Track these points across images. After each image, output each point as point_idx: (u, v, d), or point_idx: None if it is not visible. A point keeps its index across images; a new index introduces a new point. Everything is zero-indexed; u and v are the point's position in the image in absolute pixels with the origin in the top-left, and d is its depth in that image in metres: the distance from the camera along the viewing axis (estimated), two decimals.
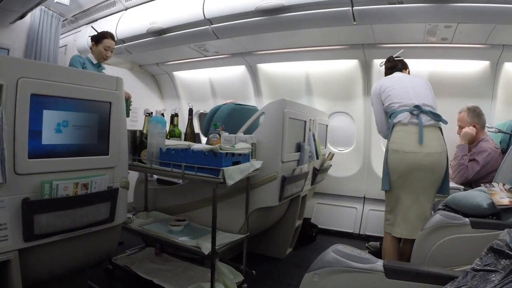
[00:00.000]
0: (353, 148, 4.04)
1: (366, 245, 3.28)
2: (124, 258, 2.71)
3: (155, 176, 3.20)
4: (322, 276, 1.16)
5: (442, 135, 2.49)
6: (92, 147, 1.80)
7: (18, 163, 1.49)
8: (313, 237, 3.69)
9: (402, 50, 2.90)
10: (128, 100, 3.15)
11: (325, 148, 3.91)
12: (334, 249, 1.21)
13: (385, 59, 2.90)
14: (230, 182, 1.98)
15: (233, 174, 2.02)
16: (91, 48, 3.26)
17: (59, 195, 1.57)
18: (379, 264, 1.13)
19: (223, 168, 1.97)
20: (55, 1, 4.37)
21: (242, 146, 2.27)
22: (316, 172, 3.45)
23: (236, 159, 2.17)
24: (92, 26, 4.12)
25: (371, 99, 2.80)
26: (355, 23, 2.90)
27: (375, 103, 2.72)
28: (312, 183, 3.48)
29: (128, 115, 2.99)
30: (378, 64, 3.51)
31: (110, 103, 1.87)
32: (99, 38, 3.19)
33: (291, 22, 3.10)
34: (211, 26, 3.53)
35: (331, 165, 3.84)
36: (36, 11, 4.65)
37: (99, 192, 1.74)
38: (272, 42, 3.72)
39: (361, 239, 3.78)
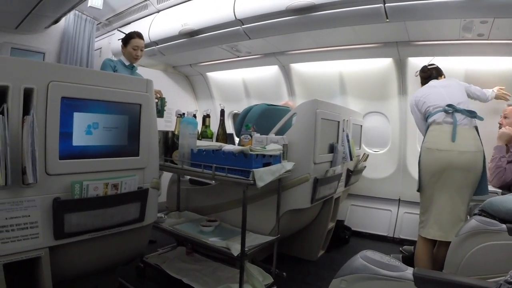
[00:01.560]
0: (388, 149, 3.93)
1: (400, 249, 3.17)
2: (155, 257, 2.74)
3: (188, 177, 3.22)
4: (350, 283, 1.12)
5: (479, 135, 2.42)
6: (122, 148, 1.84)
7: (49, 164, 1.54)
8: (346, 239, 3.62)
9: (433, 58, 2.90)
10: (163, 100, 3.15)
11: (360, 149, 3.82)
12: (362, 255, 1.17)
13: (420, 69, 2.89)
14: (260, 183, 1.96)
15: (264, 176, 1.99)
16: (122, 51, 3.28)
17: (89, 195, 1.61)
18: (408, 272, 1.08)
19: (253, 169, 1.95)
20: (88, 5, 4.46)
21: (273, 147, 2.24)
22: (350, 173, 3.38)
23: (267, 160, 2.14)
24: (118, 29, 4.22)
25: (410, 111, 2.80)
26: (387, 20, 2.81)
27: (414, 113, 2.74)
28: (346, 184, 3.41)
29: (162, 116, 3.02)
30: (413, 62, 3.46)
31: (140, 105, 1.90)
32: (127, 39, 3.21)
33: (322, 20, 3.04)
34: (242, 26, 3.52)
35: (365, 166, 3.75)
36: (70, 15, 4.80)
37: (129, 192, 1.77)
38: (304, 41, 3.66)
39: (395, 242, 3.68)
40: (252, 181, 1.95)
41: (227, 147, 2.24)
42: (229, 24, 3.59)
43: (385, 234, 3.82)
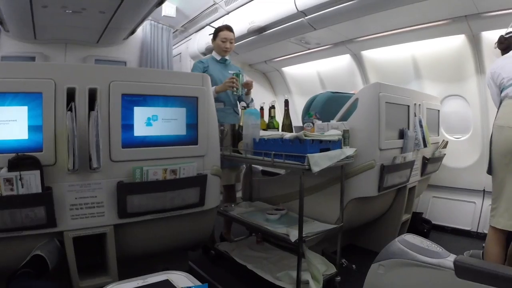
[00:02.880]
0: (470, 135, 3.61)
1: (483, 245, 2.90)
2: (226, 245, 2.85)
3: (260, 168, 3.28)
4: (388, 268, 1.07)
5: None
6: (181, 138, 1.99)
7: (113, 151, 1.77)
8: (424, 233, 3.38)
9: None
10: (238, 75, 2.92)
11: (438, 135, 3.57)
12: (400, 239, 1.11)
13: (497, 40, 2.52)
14: (315, 168, 1.94)
15: (319, 161, 1.97)
16: (213, 46, 3.24)
17: (149, 179, 1.77)
18: (449, 260, 0.99)
19: (308, 154, 1.94)
20: (162, 15, 4.79)
21: (331, 133, 2.20)
22: (426, 161, 3.17)
23: (325, 145, 2.11)
24: (209, 25, 4.43)
25: (487, 85, 2.50)
26: None
27: (490, 88, 2.43)
28: (422, 174, 3.21)
29: (241, 93, 3.00)
30: (488, 37, 3.14)
31: (197, 97, 2.03)
32: (215, 32, 3.19)
33: (383, 1, 2.93)
34: (306, 18, 3.52)
35: (444, 154, 3.49)
36: (147, 26, 5.20)
37: (188, 177, 1.90)
38: (371, 26, 3.54)
39: (479, 238, 3.32)
40: (307, 166, 1.94)
41: (287, 135, 2.25)
42: (292, 17, 3.63)
43: (468, 228, 3.51)
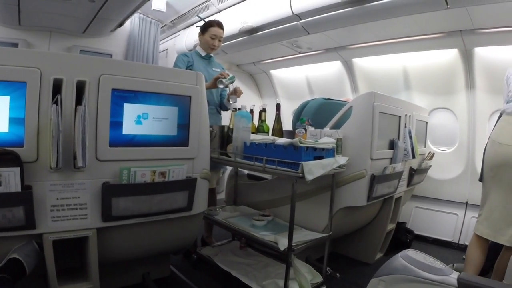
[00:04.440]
0: (456, 148, 3.64)
1: (463, 257, 2.91)
2: (209, 249, 2.78)
3: (246, 172, 3.22)
4: (388, 284, 1.03)
5: None
6: (171, 138, 1.90)
7: (100, 150, 1.65)
8: (407, 243, 3.39)
9: None
10: (231, 78, 2.81)
11: (425, 147, 3.58)
12: (403, 254, 1.07)
13: None
14: (309, 177, 1.89)
15: (313, 169, 1.92)
16: (199, 39, 3.13)
17: (136, 181, 1.67)
18: (452, 277, 0.96)
19: (303, 162, 1.89)
20: (152, 8, 4.64)
21: (325, 140, 2.16)
22: (413, 172, 3.17)
23: (319, 154, 2.07)
24: (198, 15, 4.28)
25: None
26: (448, 6, 2.60)
27: (504, 84, 2.37)
28: (408, 184, 3.21)
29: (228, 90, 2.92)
30: (480, 53, 3.16)
31: (190, 97, 1.94)
32: (205, 27, 3.06)
33: (380, 11, 2.90)
34: (300, 21, 3.48)
35: (430, 166, 3.51)
36: (135, 18, 5.06)
37: (177, 180, 1.81)
38: (364, 34, 3.53)
39: (460, 249, 3.37)
40: (301, 174, 1.89)
41: (280, 140, 2.19)
42: (286, 20, 3.57)
43: (449, 239, 3.54)
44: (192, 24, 5.02)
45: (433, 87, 3.70)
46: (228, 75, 2.75)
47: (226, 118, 3.18)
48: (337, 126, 2.55)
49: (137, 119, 1.76)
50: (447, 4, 2.60)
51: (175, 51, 5.43)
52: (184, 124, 1.93)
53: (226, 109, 3.10)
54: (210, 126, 2.40)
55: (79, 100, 1.59)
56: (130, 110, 1.74)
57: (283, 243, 2.02)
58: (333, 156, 2.19)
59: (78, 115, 1.53)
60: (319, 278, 2.24)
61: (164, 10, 4.82)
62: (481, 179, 2.31)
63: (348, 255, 3.10)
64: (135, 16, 4.94)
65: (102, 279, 1.75)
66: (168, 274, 2.44)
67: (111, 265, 1.85)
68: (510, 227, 1.98)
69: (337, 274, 2.47)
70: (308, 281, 2.10)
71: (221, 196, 3.47)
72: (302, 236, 2.24)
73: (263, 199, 2.98)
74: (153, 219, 1.81)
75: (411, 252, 1.09)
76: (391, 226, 3.11)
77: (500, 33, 2.78)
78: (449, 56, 3.40)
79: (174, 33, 5.65)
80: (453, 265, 2.64)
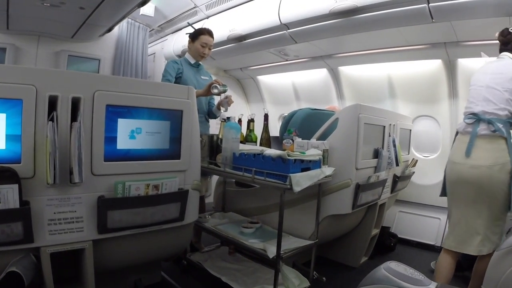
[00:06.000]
0: (439, 155, 3.76)
1: (432, 264, 3.04)
2: (198, 255, 2.83)
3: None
4: None
5: (507, 145, 2.05)
6: (164, 152, 1.95)
7: (95, 165, 1.70)
8: (391, 247, 3.51)
9: None
10: (225, 87, 2.83)
11: (408, 154, 3.69)
12: (386, 266, 1.16)
13: (499, 32, 2.33)
14: (297, 188, 1.97)
15: (301, 181, 2.00)
16: (188, 47, 3.15)
17: (131, 195, 1.73)
18: (431, 287, 1.05)
19: (290, 174, 1.96)
20: (140, 13, 4.69)
21: (312, 152, 2.23)
22: (397, 179, 3.27)
23: (306, 165, 2.14)
24: (188, 23, 4.32)
25: None
26: (433, 20, 2.71)
27: None
28: (392, 191, 3.31)
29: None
30: (463, 64, 3.29)
31: (182, 111, 2.00)
32: (196, 34, 3.06)
33: (367, 23, 2.98)
34: (288, 31, 3.54)
35: (413, 172, 3.62)
36: (124, 23, 5.09)
37: (169, 193, 1.87)
38: (351, 44, 3.62)
39: None
40: (289, 186, 1.96)
41: (268, 151, 2.26)
42: (275, 29, 3.63)
43: (432, 243, 3.66)
44: (180, 29, 5.07)
45: (417, 95, 3.80)
46: (222, 84, 2.79)
47: (213, 126, 3.25)
48: (323, 136, 2.62)
49: (130, 134, 1.81)
50: (432, 18, 2.70)
51: (162, 55, 5.46)
52: (176, 138, 1.99)
53: (215, 117, 3.15)
54: (200, 136, 2.45)
55: (74, 116, 1.63)
56: (124, 125, 1.79)
57: (271, 251, 2.10)
58: (320, 167, 2.27)
59: (74, 131, 1.57)
60: (306, 283, 2.30)
61: (153, 15, 4.86)
62: (441, 194, 2.44)
63: (334, 259, 3.18)
64: (124, 21, 4.95)
65: (95, 286, 1.79)
66: (160, 280, 2.49)
67: (104, 272, 1.90)
68: (474, 237, 2.09)
69: (323, 278, 2.54)
70: (295, 286, 2.19)
71: (209, 200, 3.51)
72: (289, 243, 2.31)
73: (251, 206, 3.05)
74: (147, 230, 1.87)
75: (392, 264, 1.18)
76: (375, 231, 3.20)
77: (483, 45, 2.88)
78: (433, 66, 3.51)
79: (162, 37, 5.68)
80: (435, 261, 2.70)
